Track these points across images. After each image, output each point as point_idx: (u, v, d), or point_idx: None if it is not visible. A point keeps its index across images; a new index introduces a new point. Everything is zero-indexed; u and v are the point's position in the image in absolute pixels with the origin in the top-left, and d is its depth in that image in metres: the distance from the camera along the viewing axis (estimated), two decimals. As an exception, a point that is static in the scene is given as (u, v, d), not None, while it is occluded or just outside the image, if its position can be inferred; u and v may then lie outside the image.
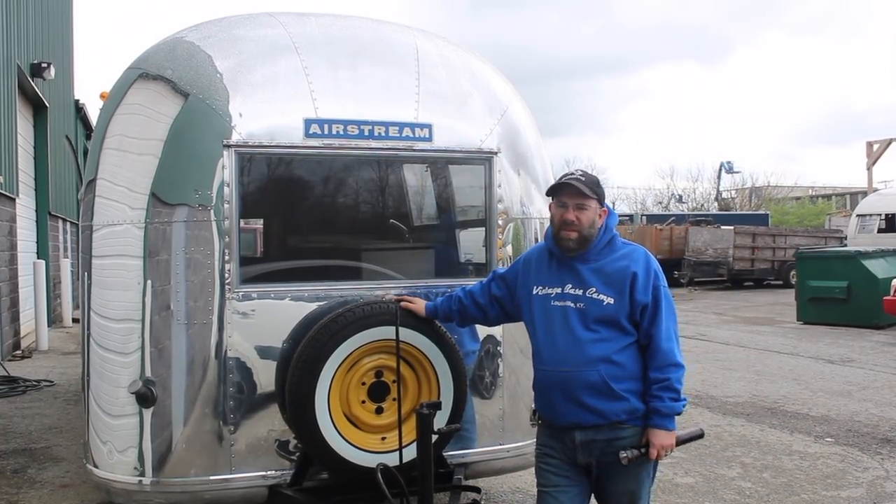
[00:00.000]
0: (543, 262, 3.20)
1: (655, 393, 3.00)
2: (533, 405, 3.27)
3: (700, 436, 3.19)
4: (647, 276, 3.05)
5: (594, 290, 3.04)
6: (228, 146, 3.61)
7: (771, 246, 25.00)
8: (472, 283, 3.97)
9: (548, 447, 3.14)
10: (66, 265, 15.28)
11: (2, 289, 10.68)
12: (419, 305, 3.58)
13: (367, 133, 3.81)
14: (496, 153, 4.06)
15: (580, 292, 3.05)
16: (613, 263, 3.07)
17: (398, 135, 3.87)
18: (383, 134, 3.84)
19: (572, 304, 3.05)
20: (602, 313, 3.01)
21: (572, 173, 3.14)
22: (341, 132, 3.77)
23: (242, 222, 3.74)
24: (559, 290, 3.09)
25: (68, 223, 17.31)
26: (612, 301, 3.01)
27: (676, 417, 3.01)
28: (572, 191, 3.05)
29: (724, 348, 11.83)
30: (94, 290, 3.80)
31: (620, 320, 3.01)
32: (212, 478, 3.62)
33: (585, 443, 3.02)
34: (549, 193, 3.17)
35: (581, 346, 3.00)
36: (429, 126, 3.93)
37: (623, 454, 2.97)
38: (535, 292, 3.15)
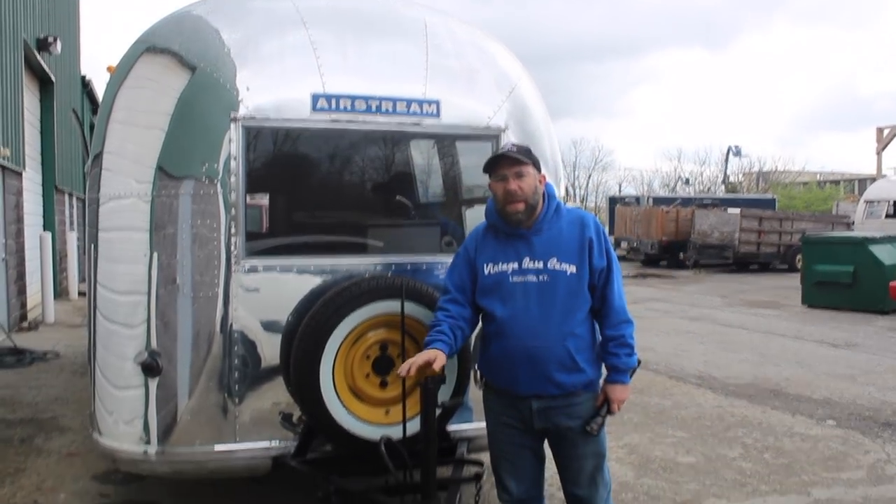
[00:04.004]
0: (489, 240, 3.19)
1: (612, 350, 3.09)
2: (477, 368, 3.32)
3: (638, 364, 3.19)
4: (600, 240, 3.11)
5: (555, 259, 3.06)
6: (235, 120, 3.61)
7: (777, 230, 24.91)
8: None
9: (506, 416, 3.19)
10: (72, 239, 15.35)
11: (8, 262, 10.73)
12: (441, 358, 3.10)
13: (374, 108, 3.80)
14: (504, 130, 4.05)
15: (540, 265, 3.06)
16: (567, 231, 3.11)
17: (406, 110, 3.86)
18: (391, 109, 3.83)
19: (534, 278, 3.06)
20: (566, 283, 3.05)
21: (502, 147, 3.21)
22: (349, 107, 3.76)
23: (249, 197, 3.74)
24: (515, 266, 3.09)
25: (74, 197, 17.35)
26: (574, 269, 3.05)
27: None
28: (509, 161, 3.08)
29: (728, 330, 11.83)
30: (101, 262, 3.82)
31: (583, 288, 3.06)
32: (216, 448, 3.66)
33: (542, 410, 3.10)
34: (485, 170, 3.17)
35: (548, 320, 3.03)
36: (436, 102, 3.91)
37: (589, 427, 3.07)
38: (486, 272, 3.14)
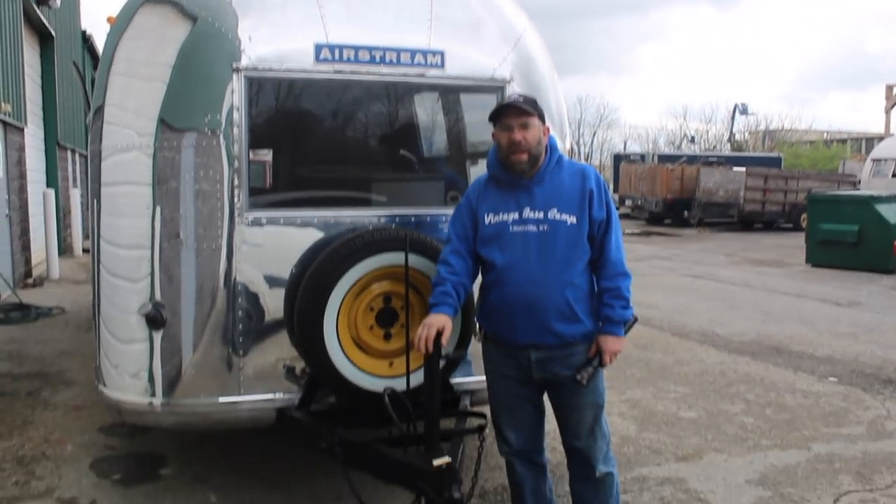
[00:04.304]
0: (490, 190, 3.20)
1: (607, 301, 3.11)
2: (477, 322, 3.35)
3: (635, 320, 3.21)
4: (601, 192, 3.12)
5: (555, 210, 3.08)
6: (238, 70, 3.56)
7: (783, 188, 24.80)
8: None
9: (505, 366, 3.23)
10: (75, 195, 15.31)
11: (12, 218, 10.73)
12: (448, 323, 3.12)
13: (378, 59, 3.75)
14: (509, 82, 4.00)
15: (541, 215, 3.08)
16: (568, 182, 3.13)
17: (410, 61, 3.80)
18: (395, 60, 3.78)
19: (535, 228, 3.08)
20: (566, 234, 3.06)
21: (509, 97, 3.21)
22: (352, 58, 3.71)
23: (252, 153, 3.70)
24: (516, 216, 3.11)
25: (77, 153, 17.28)
26: (574, 220, 3.07)
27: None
28: (515, 111, 3.09)
29: (732, 288, 11.84)
30: (104, 217, 3.79)
31: (582, 239, 3.08)
32: (221, 400, 3.68)
33: (540, 360, 3.13)
34: (491, 119, 3.17)
35: (548, 269, 3.05)
36: (441, 53, 3.86)
37: (580, 375, 3.07)
38: (487, 222, 3.16)
